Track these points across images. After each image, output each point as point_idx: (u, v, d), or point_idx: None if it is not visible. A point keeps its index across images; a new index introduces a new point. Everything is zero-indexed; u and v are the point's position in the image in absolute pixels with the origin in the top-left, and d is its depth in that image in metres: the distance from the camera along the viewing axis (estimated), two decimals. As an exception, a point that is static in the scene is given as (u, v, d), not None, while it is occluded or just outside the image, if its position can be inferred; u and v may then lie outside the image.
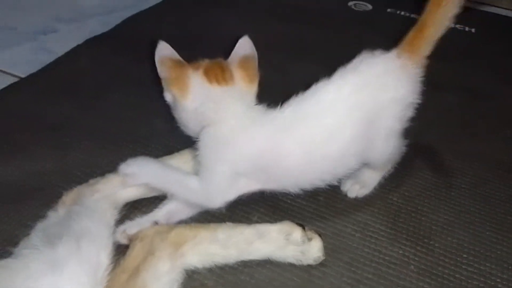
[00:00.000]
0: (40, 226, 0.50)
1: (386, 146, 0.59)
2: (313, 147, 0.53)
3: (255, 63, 0.60)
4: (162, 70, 0.59)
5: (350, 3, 1.21)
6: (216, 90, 0.55)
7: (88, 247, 0.44)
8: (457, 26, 1.12)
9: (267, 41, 0.99)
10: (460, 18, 1.21)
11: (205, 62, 0.58)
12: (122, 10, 1.08)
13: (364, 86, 0.56)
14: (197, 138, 0.55)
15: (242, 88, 0.58)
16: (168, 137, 0.70)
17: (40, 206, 0.57)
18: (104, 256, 0.44)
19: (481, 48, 1.04)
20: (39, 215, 0.55)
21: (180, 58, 0.59)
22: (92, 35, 0.96)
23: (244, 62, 0.59)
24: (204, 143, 0.54)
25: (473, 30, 1.11)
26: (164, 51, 0.60)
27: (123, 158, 0.65)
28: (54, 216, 0.52)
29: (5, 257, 0.47)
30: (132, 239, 0.51)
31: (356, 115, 0.54)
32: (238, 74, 0.58)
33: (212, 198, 0.54)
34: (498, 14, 1.23)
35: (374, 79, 0.57)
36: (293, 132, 0.54)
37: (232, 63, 0.59)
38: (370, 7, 1.20)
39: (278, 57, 0.93)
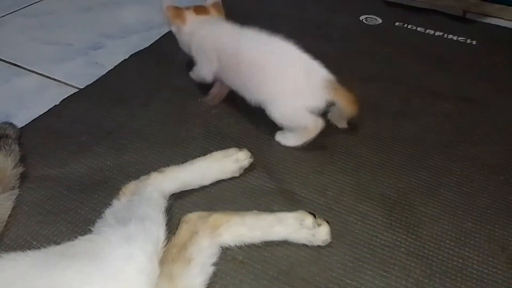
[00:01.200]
0: (109, 211, 0.65)
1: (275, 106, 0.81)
2: (253, 64, 0.82)
3: (221, 4, 0.98)
4: (167, 13, 0.94)
5: (362, 17, 1.32)
6: (200, 18, 0.93)
7: (150, 226, 0.58)
8: (459, 38, 1.23)
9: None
10: (462, 30, 1.33)
11: (193, 5, 0.95)
12: (159, 27, 1.23)
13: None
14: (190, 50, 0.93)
15: (214, 16, 0.95)
16: (203, 140, 0.85)
17: (105, 195, 0.72)
18: (161, 234, 0.59)
19: (481, 60, 1.14)
20: (105, 203, 0.70)
21: (178, 6, 0.95)
22: (136, 49, 1.11)
23: (215, 4, 0.96)
24: (194, 46, 0.91)
25: (474, 42, 1.21)
26: (167, 2, 0.94)
27: (167, 158, 0.80)
28: (118, 203, 0.67)
29: (87, 234, 0.63)
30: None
31: (278, 60, 0.83)
32: (212, 10, 0.95)
33: (203, 74, 0.91)
34: (499, 26, 1.32)
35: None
36: (245, 46, 0.85)
37: (209, 4, 0.96)
38: (380, 20, 1.31)
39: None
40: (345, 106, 0.80)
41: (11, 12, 1.28)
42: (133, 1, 1.37)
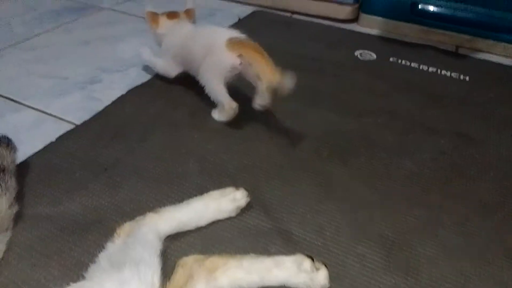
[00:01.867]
0: (104, 254, 0.64)
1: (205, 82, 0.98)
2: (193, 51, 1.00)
3: (193, 11, 1.13)
4: (147, 18, 1.10)
5: (357, 53, 1.35)
6: (171, 22, 1.09)
7: (145, 271, 0.57)
8: (452, 74, 1.25)
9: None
10: (455, 65, 1.36)
11: (167, 11, 1.10)
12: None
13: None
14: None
15: (184, 20, 1.10)
16: (199, 177, 0.84)
17: (99, 236, 0.71)
18: (156, 279, 0.57)
19: (474, 96, 1.16)
20: (100, 244, 0.69)
21: (156, 12, 1.11)
22: (134, 83, 1.12)
23: (188, 10, 1.12)
24: (164, 44, 1.09)
25: (467, 78, 1.24)
26: (148, 8, 1.11)
27: (162, 195, 0.79)
28: (112, 246, 0.66)
29: (78, 280, 0.61)
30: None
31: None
32: (183, 15, 1.10)
33: (169, 70, 1.09)
34: (491, 61, 1.36)
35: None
36: (195, 41, 1.01)
37: (181, 12, 1.11)
38: (374, 56, 1.34)
39: (294, 105, 1.06)
40: (257, 66, 0.89)
41: (8, 46, 1.29)
42: (131, 34, 1.39)
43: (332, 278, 0.65)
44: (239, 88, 0.99)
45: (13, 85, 1.10)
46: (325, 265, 0.64)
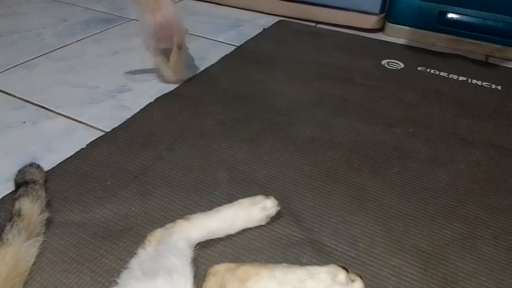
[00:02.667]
0: (135, 261, 0.63)
1: None
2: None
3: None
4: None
5: (383, 62, 1.33)
6: None
7: (178, 280, 0.56)
8: (483, 83, 1.22)
9: (313, 100, 1.14)
10: (486, 75, 1.33)
11: None
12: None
13: None
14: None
15: None
16: (229, 186, 0.84)
17: (130, 243, 0.71)
18: (188, 287, 0.57)
19: (508, 105, 1.12)
20: (131, 251, 0.69)
21: None
22: (161, 92, 1.13)
23: None
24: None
25: (499, 87, 1.20)
26: None
27: (192, 204, 0.79)
28: (144, 253, 0.65)
29: (111, 287, 0.61)
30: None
31: None
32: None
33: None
34: (524, 71, 1.32)
35: None
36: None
37: None
38: (402, 65, 1.32)
39: (322, 114, 1.06)
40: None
41: (40, 55, 1.33)
42: (158, 45, 1.42)
43: (367, 291, 0.63)
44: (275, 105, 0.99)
45: (46, 93, 1.12)
46: (360, 277, 0.63)
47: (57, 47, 1.38)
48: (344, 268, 0.63)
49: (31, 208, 0.71)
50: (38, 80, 1.19)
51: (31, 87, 1.15)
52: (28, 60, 1.29)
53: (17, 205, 0.71)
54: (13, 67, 1.26)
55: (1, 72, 1.23)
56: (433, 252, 0.71)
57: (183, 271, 0.58)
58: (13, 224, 0.67)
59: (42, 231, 0.71)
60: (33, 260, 0.67)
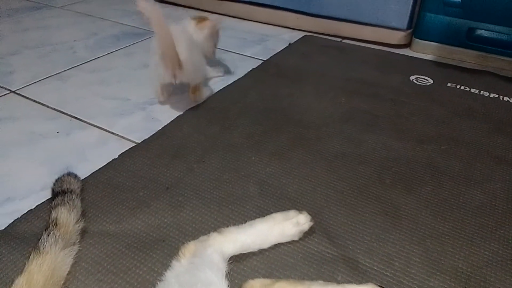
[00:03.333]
0: (171, 274, 0.63)
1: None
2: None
3: None
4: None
5: (412, 77, 1.32)
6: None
7: (215, 294, 0.56)
8: (518, 101, 1.20)
9: (341, 115, 1.13)
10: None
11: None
12: (212, 84, 1.27)
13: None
14: None
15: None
16: (260, 200, 0.83)
17: (163, 255, 0.71)
18: (226, 302, 0.56)
19: (543, 123, 1.10)
20: (164, 263, 0.69)
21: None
22: (190, 105, 1.15)
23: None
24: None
25: (534, 105, 1.18)
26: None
27: (224, 217, 0.79)
28: (179, 265, 0.65)
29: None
30: (241, 288, 0.63)
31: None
32: None
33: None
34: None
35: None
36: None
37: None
38: (431, 81, 1.30)
39: (351, 129, 1.05)
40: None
41: (72, 67, 1.37)
42: (186, 58, 1.44)
43: (406, 312, 0.61)
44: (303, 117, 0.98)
45: (79, 104, 1.15)
46: (399, 298, 0.61)
47: (88, 60, 1.42)
48: (381, 287, 0.61)
49: (67, 217, 0.72)
50: (71, 92, 1.22)
51: (64, 98, 1.18)
52: (61, 72, 1.33)
53: (53, 214, 0.71)
54: (46, 78, 1.29)
55: (35, 82, 1.26)
56: (473, 273, 0.69)
57: (220, 285, 0.58)
58: (49, 233, 0.68)
59: (78, 241, 0.72)
60: (68, 269, 0.67)
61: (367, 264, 0.70)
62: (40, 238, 0.67)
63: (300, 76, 1.33)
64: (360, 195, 0.85)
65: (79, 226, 0.73)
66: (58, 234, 0.68)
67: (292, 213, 0.74)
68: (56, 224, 0.70)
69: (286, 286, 0.61)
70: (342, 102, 1.18)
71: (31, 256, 0.64)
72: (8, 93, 1.21)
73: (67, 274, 0.67)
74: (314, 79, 1.31)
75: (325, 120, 1.09)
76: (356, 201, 0.83)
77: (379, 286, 0.61)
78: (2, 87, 1.23)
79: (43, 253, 0.65)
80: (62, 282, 0.65)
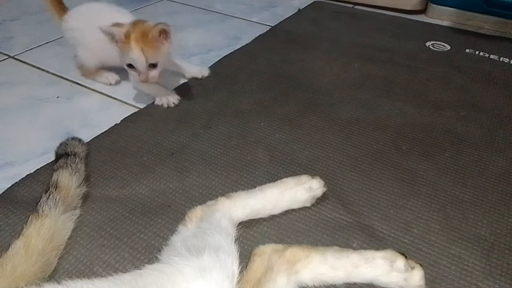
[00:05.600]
0: (177, 238, 0.60)
1: None
2: None
3: None
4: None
5: (428, 44, 1.25)
6: None
7: (225, 258, 0.52)
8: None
9: (354, 80, 1.07)
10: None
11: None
12: (218, 50, 1.22)
13: None
14: None
15: None
16: (270, 166, 0.79)
17: (169, 220, 0.67)
18: (235, 267, 0.52)
19: None
20: (169, 228, 0.66)
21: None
22: (195, 71, 1.09)
23: None
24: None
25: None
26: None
27: (232, 183, 0.75)
28: (185, 230, 0.62)
29: (149, 263, 0.58)
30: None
31: None
32: None
33: None
34: None
35: None
36: None
37: None
38: (448, 47, 1.23)
39: (365, 95, 1.00)
40: None
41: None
42: (191, 25, 1.38)
43: (426, 280, 0.57)
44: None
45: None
46: (420, 265, 0.57)
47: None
48: (402, 254, 0.58)
49: (69, 180, 0.68)
50: (72, 57, 1.17)
51: (65, 63, 1.13)
52: (61, 37, 1.27)
53: (54, 177, 0.68)
54: (46, 43, 1.24)
55: (34, 48, 1.21)
56: (496, 241, 0.65)
57: (230, 250, 0.54)
58: (49, 195, 0.65)
59: (79, 205, 0.69)
60: (69, 234, 0.64)
61: (384, 231, 0.66)
62: (39, 201, 0.64)
63: (310, 42, 1.26)
64: (375, 161, 0.80)
65: (81, 190, 0.70)
66: (58, 198, 0.65)
67: (304, 178, 0.70)
68: (56, 187, 0.66)
69: (298, 252, 0.58)
70: (355, 68, 1.12)
71: (30, 219, 0.61)
72: (7, 58, 1.16)
73: (69, 239, 0.64)
74: (325, 45, 1.25)
75: (337, 86, 1.04)
76: (371, 168, 0.79)
77: (399, 252, 0.58)
78: (0, 52, 1.19)
79: (42, 216, 0.61)
80: (63, 246, 0.62)
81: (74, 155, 0.73)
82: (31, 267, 0.56)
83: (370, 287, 0.57)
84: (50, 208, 0.63)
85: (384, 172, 0.78)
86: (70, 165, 0.70)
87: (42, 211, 0.62)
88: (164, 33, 0.86)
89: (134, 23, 0.87)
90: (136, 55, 0.84)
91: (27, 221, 0.61)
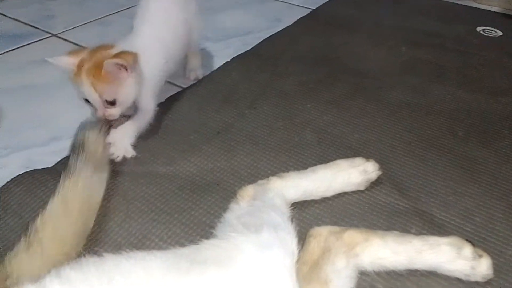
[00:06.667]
0: (231, 215, 0.58)
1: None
2: None
3: None
4: None
5: (479, 29, 1.19)
6: None
7: (284, 237, 0.50)
8: None
9: (402, 65, 1.03)
10: None
11: None
12: (258, 32, 1.19)
13: None
14: None
15: None
16: (319, 147, 0.77)
17: (219, 198, 0.66)
18: (294, 246, 0.50)
19: None
20: (220, 206, 0.64)
21: None
22: (236, 52, 1.07)
23: None
24: None
25: None
26: None
27: (280, 163, 0.73)
28: (238, 208, 0.60)
29: (201, 240, 0.56)
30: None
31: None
32: None
33: None
34: None
35: None
36: None
37: None
38: (500, 33, 1.17)
39: (414, 79, 0.96)
40: None
41: (114, 13, 1.31)
42: (230, 7, 1.36)
43: (493, 270, 0.54)
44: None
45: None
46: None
47: (129, 6, 1.35)
48: (469, 241, 0.54)
49: (96, 140, 0.67)
50: (113, 37, 1.14)
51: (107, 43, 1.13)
52: (102, 17, 1.28)
53: (81, 136, 0.67)
54: (88, 23, 1.24)
55: (76, 27, 1.22)
56: None
57: (287, 228, 0.52)
58: (78, 155, 0.63)
59: (107, 167, 0.68)
60: (102, 196, 0.64)
61: (443, 218, 0.63)
62: (69, 161, 0.62)
63: (353, 25, 1.22)
64: (430, 146, 0.77)
65: (107, 151, 0.69)
66: (86, 157, 0.63)
67: (358, 160, 0.68)
68: (84, 147, 0.65)
69: (357, 235, 0.55)
70: (402, 52, 1.07)
71: (62, 179, 0.59)
72: (50, 36, 1.17)
73: (120, 213, 0.63)
74: (369, 28, 1.20)
75: (384, 70, 1.00)
76: (426, 153, 0.75)
77: (466, 240, 0.54)
78: (43, 30, 1.20)
79: (74, 176, 0.60)
80: (97, 207, 0.62)
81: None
82: (71, 228, 0.56)
83: (432, 275, 0.55)
84: (81, 168, 0.61)
85: (440, 158, 0.74)
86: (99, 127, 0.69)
87: (75, 171, 0.61)
88: (123, 66, 0.69)
89: (93, 51, 0.73)
90: (87, 91, 0.70)
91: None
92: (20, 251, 0.48)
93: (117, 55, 0.70)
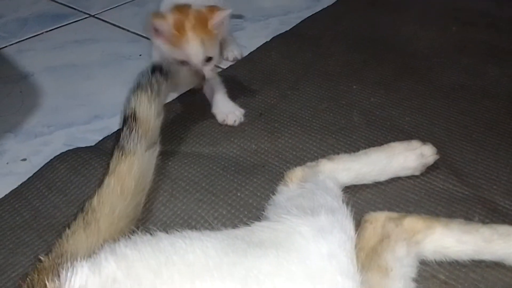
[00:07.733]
0: (281, 197, 0.56)
1: None
2: None
3: None
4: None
5: (535, 8, 1.11)
6: None
7: (342, 220, 0.47)
8: None
9: (454, 45, 0.97)
10: None
11: None
12: (297, 11, 1.15)
13: None
14: None
15: None
16: (367, 130, 0.73)
17: (265, 180, 0.64)
18: (353, 231, 0.47)
19: None
20: (266, 188, 0.62)
21: None
22: (276, 32, 1.03)
23: None
24: None
25: None
26: None
27: (328, 146, 0.69)
28: (288, 190, 0.57)
29: (252, 221, 0.54)
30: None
31: None
32: None
33: None
34: None
35: None
36: None
37: None
38: (561, 13, 1.09)
39: (468, 60, 0.90)
40: None
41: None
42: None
43: None
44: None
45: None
46: None
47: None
48: (543, 231, 0.50)
49: (148, 109, 0.61)
50: (128, 23, 1.15)
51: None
52: (137, -2, 1.26)
53: (132, 103, 0.61)
54: (124, 3, 1.23)
55: (113, 8, 1.20)
56: None
57: (344, 212, 0.49)
58: (131, 130, 0.58)
59: (159, 140, 0.62)
60: (152, 172, 0.60)
61: (508, 207, 0.58)
62: (121, 136, 0.58)
63: (399, 5, 1.16)
64: (489, 131, 0.71)
65: (159, 120, 0.63)
66: (140, 132, 0.58)
67: (415, 143, 0.63)
68: (135, 119, 0.60)
69: (418, 221, 0.51)
70: (453, 32, 1.01)
71: (115, 156, 0.56)
72: (88, 17, 1.16)
73: (165, 192, 0.62)
74: (416, 8, 1.14)
75: (434, 50, 0.94)
76: (485, 138, 0.70)
77: (538, 230, 0.50)
78: (81, 11, 1.19)
79: (130, 153, 0.56)
80: (149, 187, 0.59)
81: (160, 71, 0.66)
82: (126, 208, 0.53)
83: (498, 266, 0.51)
84: (136, 144, 0.57)
85: (501, 143, 0.69)
86: (151, 86, 0.63)
87: (129, 149, 0.56)
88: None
89: (179, 10, 0.72)
90: (194, 49, 0.69)
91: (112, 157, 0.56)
92: (77, 230, 0.47)
93: (213, 10, 0.71)
